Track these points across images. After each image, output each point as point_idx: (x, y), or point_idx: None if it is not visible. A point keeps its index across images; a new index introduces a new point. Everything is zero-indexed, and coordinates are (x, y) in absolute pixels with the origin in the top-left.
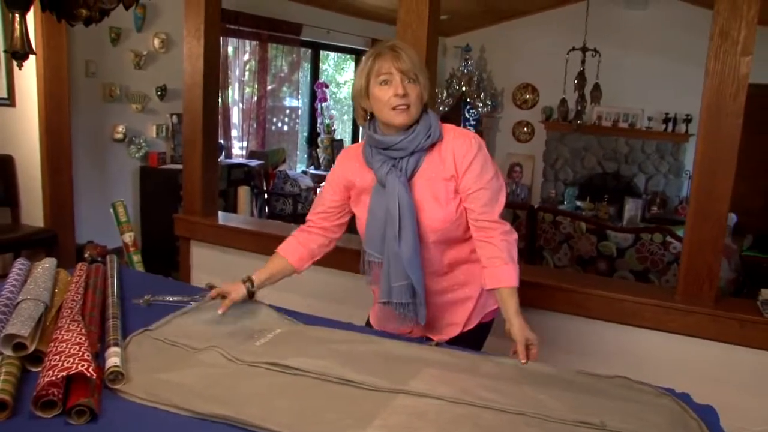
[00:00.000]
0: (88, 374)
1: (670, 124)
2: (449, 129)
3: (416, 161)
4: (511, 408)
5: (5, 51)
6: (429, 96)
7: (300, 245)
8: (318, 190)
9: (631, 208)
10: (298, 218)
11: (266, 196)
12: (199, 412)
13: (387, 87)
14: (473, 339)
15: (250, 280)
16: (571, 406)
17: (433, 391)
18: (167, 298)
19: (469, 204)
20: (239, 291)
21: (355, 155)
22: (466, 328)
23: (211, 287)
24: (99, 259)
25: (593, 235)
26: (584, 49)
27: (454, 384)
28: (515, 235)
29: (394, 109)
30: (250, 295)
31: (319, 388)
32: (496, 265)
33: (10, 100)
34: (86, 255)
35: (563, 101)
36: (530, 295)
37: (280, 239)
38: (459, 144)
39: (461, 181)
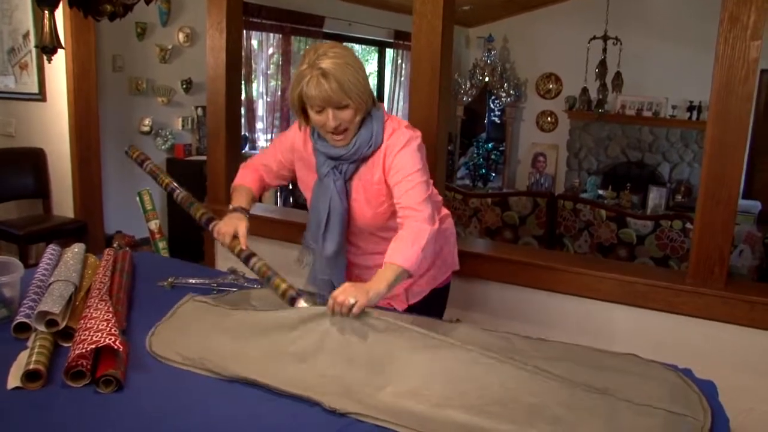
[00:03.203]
0: (115, 347)
1: (695, 112)
2: (389, 127)
3: (356, 166)
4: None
5: (36, 46)
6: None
7: (256, 181)
8: None
9: (655, 196)
10: None
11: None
12: (226, 375)
13: (322, 114)
14: (430, 305)
15: (243, 209)
16: (576, 374)
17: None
18: (190, 281)
19: (394, 190)
20: (244, 221)
21: (298, 132)
22: (420, 297)
23: (233, 272)
24: (127, 248)
25: (613, 223)
26: (605, 38)
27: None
28: (434, 226)
29: (330, 133)
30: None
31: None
32: (399, 242)
33: (41, 95)
34: (115, 244)
35: (584, 90)
36: (543, 278)
37: (301, 227)
38: (392, 142)
39: (388, 171)
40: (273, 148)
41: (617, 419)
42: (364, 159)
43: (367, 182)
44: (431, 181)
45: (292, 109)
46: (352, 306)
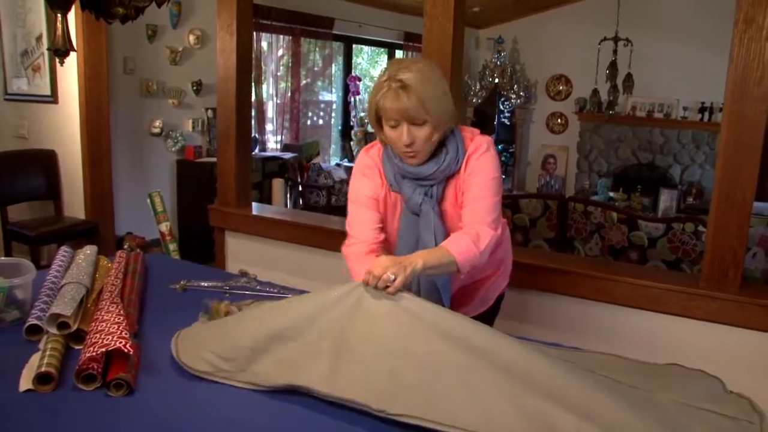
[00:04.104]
0: (126, 350)
1: (706, 114)
2: (467, 137)
3: (444, 186)
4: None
5: (48, 49)
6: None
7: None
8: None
9: (666, 199)
10: (332, 210)
11: (300, 188)
12: (266, 385)
13: (396, 130)
14: (493, 312)
15: None
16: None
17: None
18: (202, 284)
19: (467, 192)
20: None
21: (377, 173)
22: (488, 305)
23: (244, 274)
24: (137, 249)
25: (624, 225)
26: (616, 39)
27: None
28: (497, 231)
29: (404, 152)
30: None
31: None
32: (461, 235)
33: (53, 98)
34: (125, 246)
35: (595, 92)
36: (558, 282)
37: (312, 229)
38: (473, 148)
39: (467, 174)
40: (366, 210)
41: (671, 423)
42: (451, 177)
43: (455, 198)
44: (501, 190)
45: (370, 119)
46: (391, 282)
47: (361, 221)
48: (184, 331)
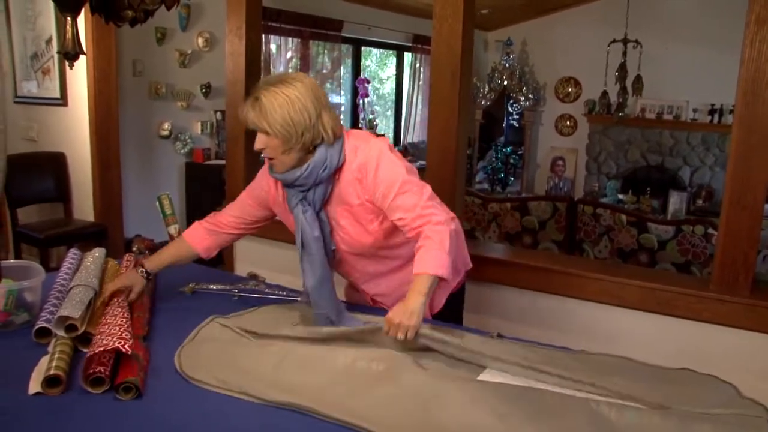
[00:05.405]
0: (124, 350)
1: (716, 116)
2: (352, 148)
3: (324, 191)
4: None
5: (58, 52)
6: (330, 129)
7: (209, 236)
8: None
9: (676, 201)
10: None
11: None
12: (268, 400)
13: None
14: (450, 310)
15: (142, 265)
16: (631, 389)
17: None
18: (210, 287)
19: (395, 214)
20: (139, 282)
21: (271, 181)
22: (441, 306)
23: (253, 276)
24: (146, 251)
25: (634, 228)
26: (625, 41)
27: (518, 374)
28: (453, 226)
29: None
30: (148, 280)
31: (388, 378)
32: (422, 251)
33: (62, 100)
34: (134, 248)
35: (604, 94)
36: (567, 285)
37: None
38: (362, 161)
39: (374, 193)
40: (243, 196)
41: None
42: (328, 181)
43: (351, 203)
44: (422, 182)
45: None
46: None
47: (228, 207)
48: (187, 348)
